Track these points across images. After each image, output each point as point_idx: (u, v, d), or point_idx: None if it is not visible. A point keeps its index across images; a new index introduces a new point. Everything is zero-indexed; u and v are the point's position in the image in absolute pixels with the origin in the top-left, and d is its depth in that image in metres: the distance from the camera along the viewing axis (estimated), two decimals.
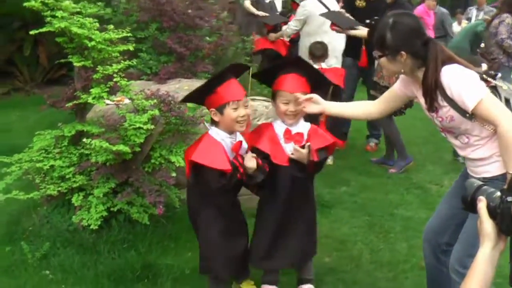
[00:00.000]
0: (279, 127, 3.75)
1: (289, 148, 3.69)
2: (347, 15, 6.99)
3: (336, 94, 6.82)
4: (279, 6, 10.71)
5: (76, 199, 4.36)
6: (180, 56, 6.35)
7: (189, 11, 6.48)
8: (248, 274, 4.05)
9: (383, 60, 3.22)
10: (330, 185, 6.34)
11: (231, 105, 3.48)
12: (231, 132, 3.60)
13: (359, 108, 3.81)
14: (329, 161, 7.13)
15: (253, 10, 9.66)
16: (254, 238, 3.91)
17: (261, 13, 9.50)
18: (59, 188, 4.37)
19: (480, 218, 2.01)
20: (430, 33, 12.14)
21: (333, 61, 7.32)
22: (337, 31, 6.26)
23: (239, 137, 3.69)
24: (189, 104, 4.53)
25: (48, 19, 4.22)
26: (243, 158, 3.51)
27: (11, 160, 4.51)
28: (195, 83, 5.42)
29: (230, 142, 3.59)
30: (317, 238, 4.10)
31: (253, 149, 3.68)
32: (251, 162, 3.48)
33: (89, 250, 4.38)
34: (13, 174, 4.40)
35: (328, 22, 6.90)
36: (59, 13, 4.17)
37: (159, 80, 6.08)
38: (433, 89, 3.08)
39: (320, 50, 6.98)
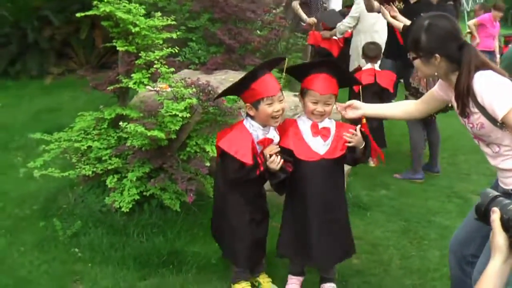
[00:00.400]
0: (303, 123, 3.74)
1: (314, 143, 3.69)
2: None
3: (384, 98, 6.76)
4: (339, 5, 10.66)
5: (110, 181, 4.44)
6: (229, 48, 6.37)
7: (240, 4, 6.49)
8: (264, 267, 4.10)
9: (417, 62, 3.17)
10: (369, 188, 6.29)
11: (265, 100, 3.52)
12: (265, 125, 3.64)
13: (399, 108, 3.78)
14: (372, 163, 7.07)
15: (301, 13, 9.61)
16: (281, 231, 3.93)
17: (306, 19, 9.44)
18: (94, 169, 4.46)
19: (492, 230, 1.97)
20: (493, 43, 11.90)
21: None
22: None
23: (272, 133, 3.72)
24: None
25: (95, 2, 4.30)
26: (266, 158, 3.54)
27: (51, 139, 4.62)
28: (242, 76, 5.46)
29: (263, 134, 3.64)
30: (352, 240, 4.03)
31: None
32: (273, 164, 3.51)
33: (118, 232, 4.47)
34: (52, 152, 4.51)
35: (380, 22, 6.87)
36: None
37: (206, 70, 6.12)
38: (464, 94, 3.01)
39: (374, 51, 6.93)
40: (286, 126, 3.79)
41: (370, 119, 6.50)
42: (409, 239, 5.11)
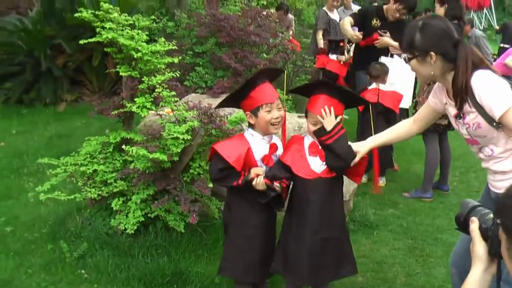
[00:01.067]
0: (308, 141, 3.77)
1: (312, 162, 3.72)
2: None
3: (390, 118, 6.79)
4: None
5: (115, 204, 4.52)
6: (236, 72, 6.47)
7: (246, 26, 6.61)
8: (267, 285, 4.12)
9: (413, 62, 3.21)
10: (377, 207, 6.30)
11: (264, 107, 3.60)
12: (266, 134, 3.72)
13: (401, 130, 3.80)
14: (381, 182, 7.09)
15: (319, 39, 9.89)
16: (277, 247, 3.95)
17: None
18: (100, 192, 4.55)
19: (472, 239, 2.01)
20: None
21: None
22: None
23: (275, 141, 3.80)
24: (230, 118, 4.65)
25: (98, 30, 4.42)
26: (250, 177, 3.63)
27: (58, 163, 4.72)
28: None
29: (263, 143, 3.72)
30: (354, 258, 3.98)
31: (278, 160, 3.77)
32: (257, 185, 3.59)
33: (124, 253, 4.54)
34: (58, 176, 4.61)
35: None
36: (108, 25, 4.36)
37: (212, 94, 6.22)
38: (463, 91, 3.05)
39: (377, 71, 6.97)
40: (292, 142, 3.83)
41: None
42: (415, 256, 5.13)
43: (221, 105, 3.90)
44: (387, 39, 6.87)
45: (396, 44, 6.67)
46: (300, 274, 3.77)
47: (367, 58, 7.10)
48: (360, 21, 7.25)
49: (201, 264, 4.53)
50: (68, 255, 4.49)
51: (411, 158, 8.11)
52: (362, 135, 7.22)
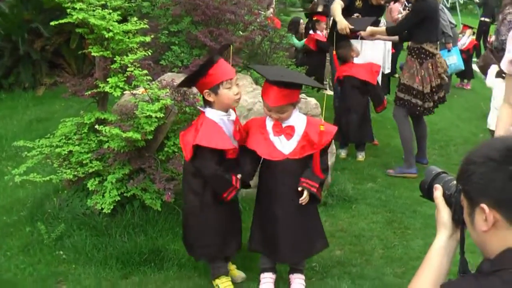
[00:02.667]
0: (270, 121, 3.79)
1: (278, 142, 3.73)
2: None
3: (366, 91, 6.84)
4: None
5: (91, 184, 4.51)
6: (212, 50, 6.44)
7: (222, 4, 6.58)
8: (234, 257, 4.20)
9: None
10: (356, 181, 6.34)
11: (225, 84, 3.62)
12: (226, 110, 3.73)
13: (508, 122, 3.47)
14: (360, 157, 7.13)
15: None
16: (252, 226, 4.01)
17: None
18: (76, 173, 4.54)
19: (436, 206, 2.03)
20: None
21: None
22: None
23: (233, 115, 3.82)
24: None
25: (69, 10, 4.40)
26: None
27: (33, 145, 4.71)
28: None
29: (227, 119, 3.73)
30: (323, 233, 4.07)
31: (241, 147, 3.80)
32: None
33: (101, 233, 4.53)
34: (34, 158, 4.60)
35: None
36: (78, 5, 4.34)
37: (188, 72, 6.19)
38: None
39: (342, 53, 7.08)
40: (253, 125, 3.85)
41: (349, 113, 6.56)
42: (393, 229, 5.18)
43: (182, 84, 3.94)
44: (372, 28, 6.91)
45: (379, 29, 6.78)
46: (279, 253, 3.83)
47: (339, 37, 7.10)
48: (348, 2, 7.27)
49: (178, 241, 4.52)
50: (46, 237, 4.49)
51: (391, 133, 8.14)
52: (339, 109, 7.30)
